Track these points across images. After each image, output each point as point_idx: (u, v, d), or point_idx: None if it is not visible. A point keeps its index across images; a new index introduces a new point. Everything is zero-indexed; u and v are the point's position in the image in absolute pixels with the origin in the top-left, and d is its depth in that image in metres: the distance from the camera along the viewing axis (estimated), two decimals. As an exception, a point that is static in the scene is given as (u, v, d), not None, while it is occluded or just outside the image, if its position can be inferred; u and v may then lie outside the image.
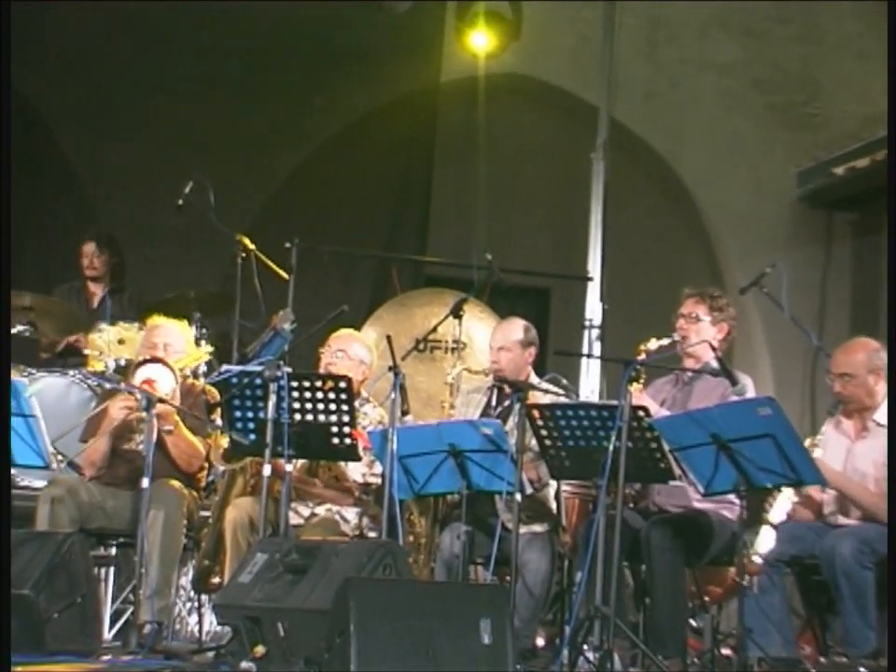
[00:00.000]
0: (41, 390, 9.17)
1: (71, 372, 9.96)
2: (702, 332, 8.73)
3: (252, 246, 10.74)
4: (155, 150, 12.60)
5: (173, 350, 9.24)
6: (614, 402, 8.03)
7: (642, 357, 8.25)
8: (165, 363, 8.95)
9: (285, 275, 10.57)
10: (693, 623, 8.81)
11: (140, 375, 8.86)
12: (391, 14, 13.09)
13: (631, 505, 8.61)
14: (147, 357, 9.02)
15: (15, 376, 9.32)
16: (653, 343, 8.43)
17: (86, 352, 10.11)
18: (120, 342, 9.92)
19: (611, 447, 7.74)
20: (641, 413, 7.90)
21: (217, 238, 10.96)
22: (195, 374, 9.64)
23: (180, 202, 10.77)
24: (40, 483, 9.30)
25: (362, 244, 13.14)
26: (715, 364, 8.52)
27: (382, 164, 13.68)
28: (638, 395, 8.10)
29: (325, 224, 12.59)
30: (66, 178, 13.11)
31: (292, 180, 13.47)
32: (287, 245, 10.66)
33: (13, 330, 9.99)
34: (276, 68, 13.19)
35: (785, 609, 8.08)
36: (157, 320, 9.44)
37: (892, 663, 7.27)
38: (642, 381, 8.16)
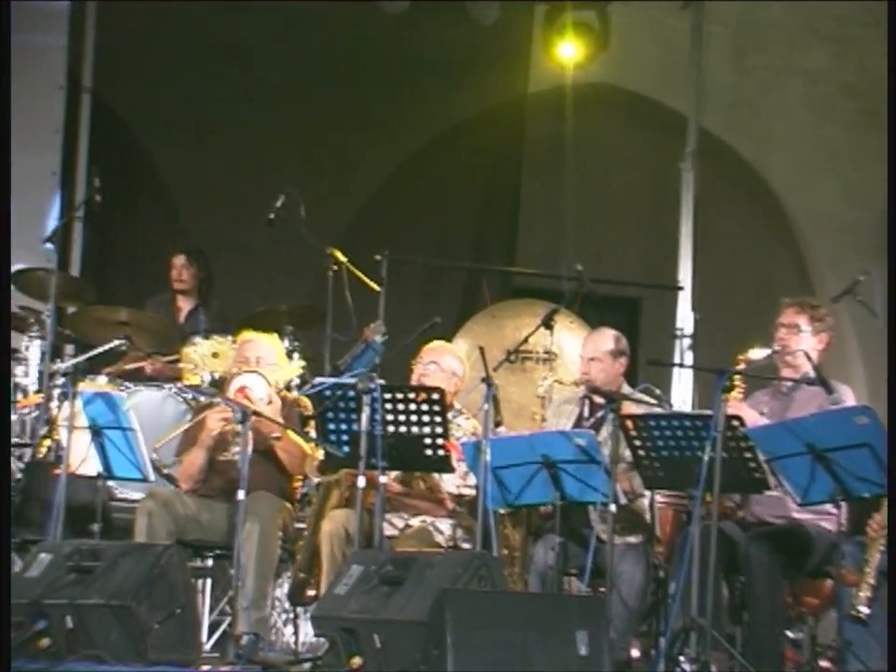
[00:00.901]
0: (137, 404, 9.29)
1: (167, 386, 10.03)
2: (802, 342, 8.70)
3: (343, 259, 10.79)
4: (245, 165, 12.67)
5: (265, 363, 9.27)
6: (708, 412, 8.02)
7: (741, 366, 8.24)
8: (255, 371, 9.05)
9: (376, 287, 10.62)
10: (789, 634, 8.77)
11: (234, 385, 8.95)
12: (478, 25, 13.13)
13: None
14: (241, 370, 9.12)
15: (112, 390, 9.43)
16: (754, 353, 8.41)
17: (179, 365, 10.17)
18: (214, 355, 9.98)
19: (706, 457, 7.73)
20: (736, 423, 7.88)
21: (308, 251, 11.00)
22: (288, 387, 9.67)
23: (272, 216, 10.84)
24: (138, 496, 9.36)
25: (452, 255, 13.18)
26: (812, 374, 8.50)
27: (470, 175, 13.71)
28: (736, 405, 8.09)
29: (414, 236, 12.64)
30: (157, 193, 13.22)
31: (382, 192, 13.52)
32: (378, 257, 10.70)
33: (110, 345, 10.06)
34: (365, 81, 13.24)
35: (885, 621, 8.01)
36: (248, 335, 9.48)
37: (892, 663, 7.08)
38: (740, 391, 8.16)
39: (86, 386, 9.33)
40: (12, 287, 10.84)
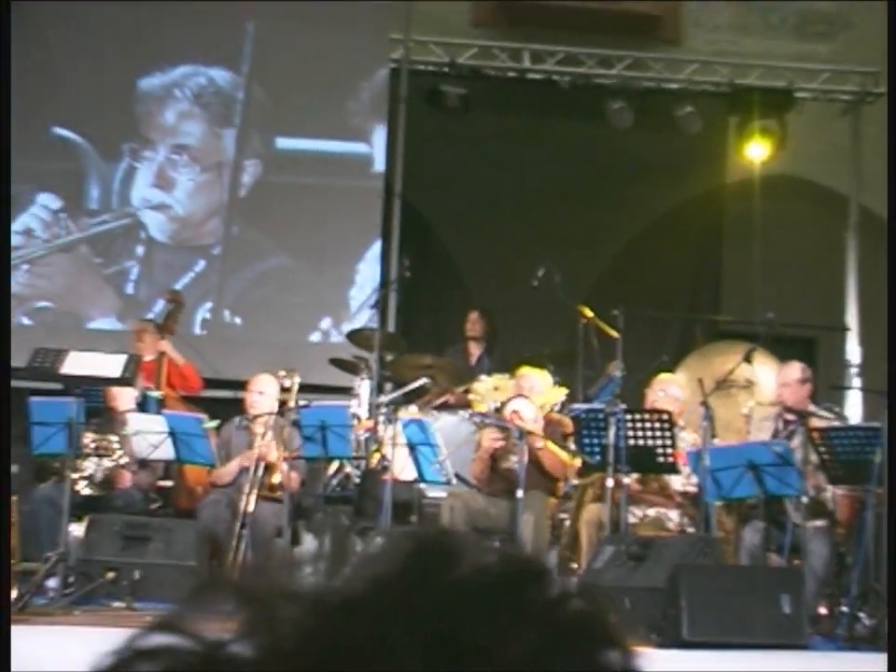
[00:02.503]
0: (440, 427, 9.40)
1: (461, 413, 10.10)
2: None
3: (589, 314, 10.82)
4: (514, 244, 12.78)
5: (536, 392, 9.39)
6: (877, 424, 7.97)
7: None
8: (527, 397, 9.17)
9: (614, 334, 10.61)
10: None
11: (510, 407, 9.07)
12: (686, 134, 13.12)
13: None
14: (515, 397, 9.25)
15: (422, 416, 9.56)
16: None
17: (470, 397, 10.26)
18: (496, 388, 10.04)
19: (877, 459, 7.70)
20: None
21: (563, 308, 11.07)
22: (552, 411, 9.73)
23: (535, 282, 10.93)
24: (442, 494, 9.40)
25: (671, 308, 13.14)
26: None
27: (683, 247, 13.66)
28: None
29: (642, 294, 12.59)
30: (448, 269, 13.36)
31: (616, 262, 13.51)
32: (615, 312, 10.70)
33: (418, 383, 10.17)
34: (599, 178, 13.29)
35: None
36: (524, 370, 9.63)
37: (892, 663, 6.19)
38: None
39: (403, 414, 9.51)
40: (348, 342, 11.11)
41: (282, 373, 9.33)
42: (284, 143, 12.99)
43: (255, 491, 8.90)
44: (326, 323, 12.52)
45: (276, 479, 9.08)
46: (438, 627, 0.78)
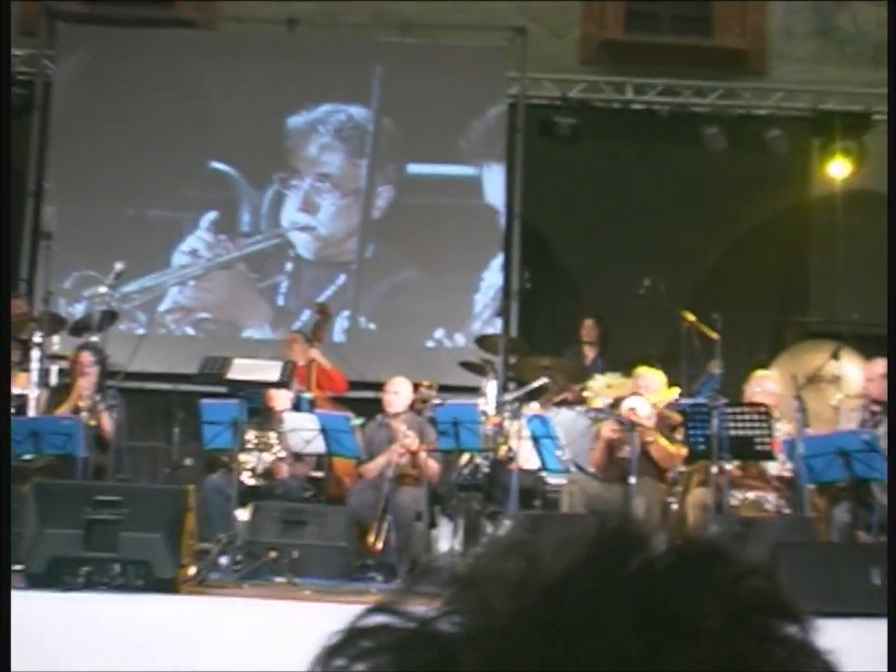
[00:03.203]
0: (560, 421, 9.46)
1: (577, 408, 10.12)
2: None
3: (691, 318, 10.81)
4: (623, 257, 12.76)
5: (651, 390, 9.40)
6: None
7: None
8: (641, 395, 9.19)
9: (714, 336, 10.59)
10: None
11: (626, 404, 9.10)
12: (774, 154, 13.06)
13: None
14: (630, 394, 9.27)
15: (544, 412, 9.61)
16: None
17: (585, 394, 10.27)
18: (609, 387, 10.03)
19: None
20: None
21: (667, 313, 11.09)
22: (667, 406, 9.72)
23: (642, 291, 10.96)
24: (561, 481, 9.41)
25: (764, 310, 13.07)
26: None
27: (774, 255, 13.58)
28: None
29: (738, 298, 12.56)
30: (563, 279, 13.38)
31: (713, 270, 13.46)
32: (714, 315, 10.67)
33: (539, 382, 10.20)
34: (697, 195, 13.26)
35: None
36: (641, 370, 9.62)
37: (892, 663, 6.05)
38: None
39: (527, 410, 9.57)
40: (476, 346, 11.18)
41: (426, 383, 9.44)
42: (412, 169, 13.13)
43: (397, 480, 9.06)
44: (452, 328, 12.63)
45: (415, 469, 9.22)
46: (641, 604, 0.75)
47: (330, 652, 0.78)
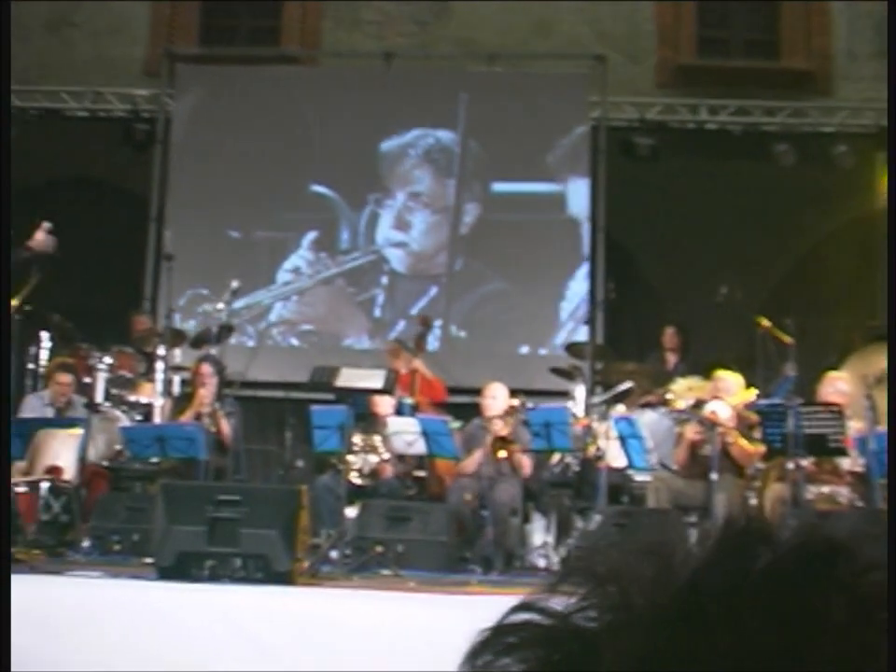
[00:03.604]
0: (645, 422, 9.45)
1: (661, 410, 10.07)
2: None
3: (766, 323, 10.78)
4: (701, 268, 12.74)
5: (730, 392, 9.36)
6: None
7: None
8: (722, 399, 9.15)
9: (788, 340, 10.55)
10: None
11: (708, 407, 9.08)
12: (841, 168, 12.98)
13: None
14: (710, 398, 9.24)
15: (628, 413, 9.61)
16: None
17: (668, 396, 10.24)
18: (690, 389, 9.99)
19: None
20: None
21: (743, 320, 11.06)
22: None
23: (719, 299, 10.93)
24: (647, 478, 9.39)
25: (833, 316, 12.97)
26: None
27: (843, 262, 13.49)
28: None
29: (809, 304, 12.48)
30: (645, 289, 13.39)
31: (785, 279, 13.41)
32: (787, 321, 10.63)
33: (624, 386, 10.21)
34: (767, 207, 13.20)
35: None
36: (721, 373, 9.55)
37: (892, 662, 5.82)
38: None
39: (614, 412, 9.59)
40: (565, 353, 11.16)
41: (516, 402, 9.48)
42: (497, 187, 13.21)
43: (493, 478, 9.11)
44: (540, 336, 12.67)
45: (510, 468, 9.27)
46: (773, 599, 0.75)
47: (478, 649, 0.79)
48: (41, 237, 7.78)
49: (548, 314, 12.73)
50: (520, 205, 13.08)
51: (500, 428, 9.23)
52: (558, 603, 0.79)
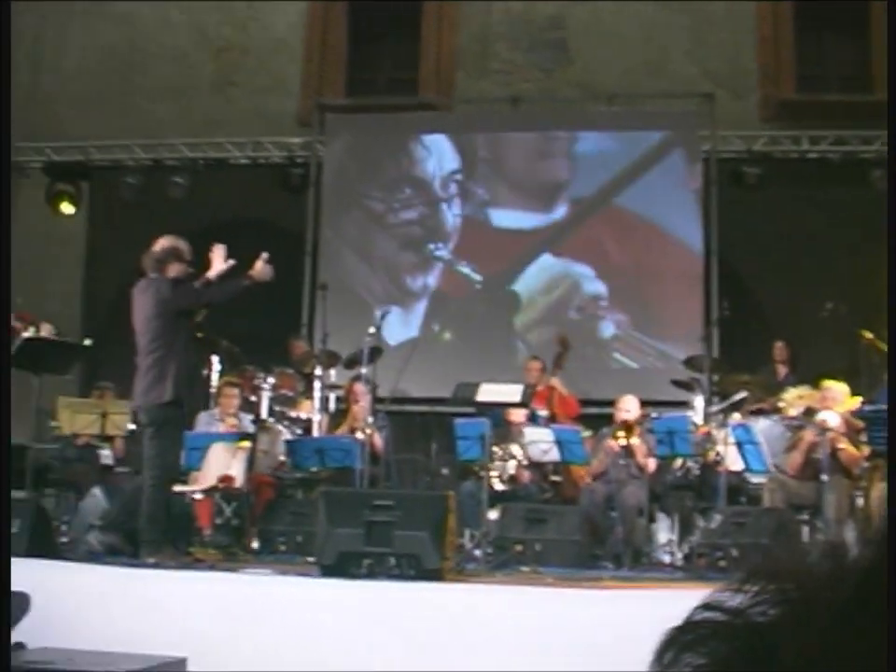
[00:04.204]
0: (760, 428, 9.30)
1: (773, 417, 9.94)
2: None
3: (869, 335, 10.55)
4: (807, 286, 12.54)
5: (837, 401, 9.16)
6: None
7: None
8: (832, 408, 8.98)
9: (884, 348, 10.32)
10: None
11: (819, 416, 8.92)
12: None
13: None
14: (821, 406, 9.09)
15: (742, 421, 9.48)
16: None
17: (780, 405, 10.05)
18: (800, 397, 9.83)
19: None
20: None
21: (847, 333, 10.85)
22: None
23: (824, 314, 10.76)
24: (762, 480, 9.22)
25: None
26: None
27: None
28: None
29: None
30: (756, 307, 13.23)
31: (884, 294, 13.05)
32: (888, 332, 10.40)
33: (739, 395, 10.04)
34: (865, 232, 12.85)
35: None
36: (828, 383, 9.34)
37: (892, 662, 5.30)
38: None
39: (731, 420, 9.49)
40: (684, 367, 10.92)
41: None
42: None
43: (622, 481, 9.07)
44: (660, 352, 12.60)
45: (637, 469, 9.22)
46: None
47: (663, 647, 0.79)
48: (260, 266, 7.86)
49: (666, 332, 12.63)
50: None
51: (627, 416, 9.20)
52: (735, 600, 0.79)
